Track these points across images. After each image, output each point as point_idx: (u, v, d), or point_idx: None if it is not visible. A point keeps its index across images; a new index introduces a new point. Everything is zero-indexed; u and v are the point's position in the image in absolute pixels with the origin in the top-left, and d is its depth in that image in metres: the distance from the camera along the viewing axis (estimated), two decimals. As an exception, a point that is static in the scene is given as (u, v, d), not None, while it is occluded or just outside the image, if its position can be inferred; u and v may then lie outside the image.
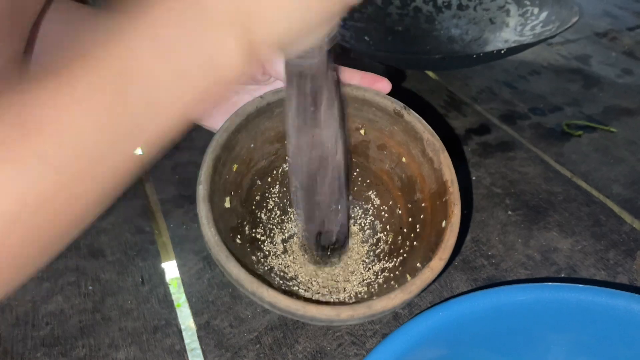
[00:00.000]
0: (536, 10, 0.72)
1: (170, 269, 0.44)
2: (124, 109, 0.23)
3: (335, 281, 0.41)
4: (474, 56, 0.62)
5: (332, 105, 0.33)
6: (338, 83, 0.39)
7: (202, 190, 0.33)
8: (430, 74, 0.72)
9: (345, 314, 0.30)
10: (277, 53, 0.29)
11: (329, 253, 0.41)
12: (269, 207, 0.43)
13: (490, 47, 0.72)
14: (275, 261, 0.41)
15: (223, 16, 0.24)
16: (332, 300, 0.39)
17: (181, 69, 0.24)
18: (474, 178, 0.54)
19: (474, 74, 0.72)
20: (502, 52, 0.60)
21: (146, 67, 0.23)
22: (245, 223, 0.40)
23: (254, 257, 0.39)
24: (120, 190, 0.26)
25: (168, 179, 0.53)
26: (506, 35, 0.73)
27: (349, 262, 0.42)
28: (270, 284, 0.31)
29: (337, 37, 0.30)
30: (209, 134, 0.36)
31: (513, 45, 0.68)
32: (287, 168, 0.44)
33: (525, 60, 0.75)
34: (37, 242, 0.24)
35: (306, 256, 0.42)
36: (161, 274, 0.44)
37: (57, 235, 0.25)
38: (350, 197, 0.46)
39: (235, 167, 0.38)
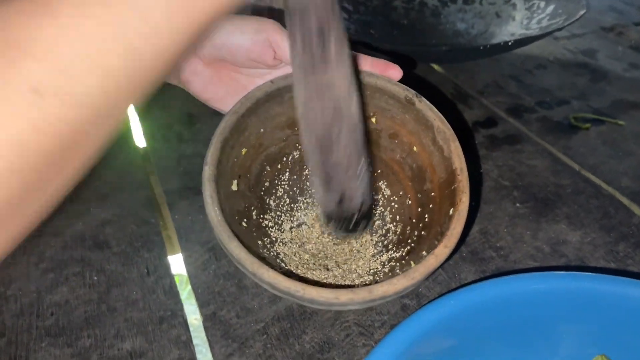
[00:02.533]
0: (543, 4, 0.71)
1: (176, 261, 0.44)
2: (114, 29, 0.20)
3: (342, 270, 0.41)
4: (481, 48, 0.62)
5: (342, 44, 0.30)
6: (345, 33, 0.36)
7: (208, 171, 0.33)
8: (436, 67, 0.72)
9: (344, 297, 0.30)
10: None
11: (353, 222, 0.37)
12: (278, 194, 0.43)
13: (496, 41, 0.72)
14: (281, 248, 0.41)
15: None
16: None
17: None
18: (481, 170, 0.53)
19: (480, 68, 0.71)
20: (509, 44, 0.60)
21: None
22: (252, 208, 0.40)
23: (259, 242, 0.39)
24: (119, 121, 0.23)
25: (173, 171, 0.53)
26: (512, 29, 0.72)
27: (357, 254, 0.42)
28: (272, 266, 0.31)
29: None
30: (214, 126, 0.36)
31: (519, 38, 0.68)
32: (297, 155, 0.43)
33: (532, 55, 0.75)
34: (40, 189, 0.21)
35: (329, 228, 0.38)
36: (166, 265, 0.43)
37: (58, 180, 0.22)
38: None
39: (244, 151, 0.38)
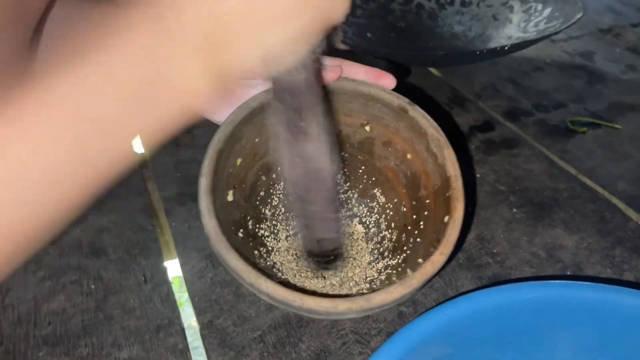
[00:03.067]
0: (540, 7, 0.71)
1: (173, 268, 0.44)
2: (75, 138, 0.24)
3: (339, 278, 0.41)
4: (477, 52, 0.62)
5: (320, 121, 0.33)
6: (326, 96, 0.38)
7: (203, 182, 0.33)
8: (434, 70, 0.72)
9: (343, 307, 0.30)
10: (260, 71, 0.29)
11: (332, 258, 0.40)
12: (273, 204, 0.43)
13: (493, 44, 0.72)
14: (278, 257, 0.41)
15: (189, 45, 0.25)
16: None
17: (138, 99, 0.25)
18: (478, 175, 0.53)
19: (477, 71, 0.71)
20: (506, 48, 0.60)
21: (97, 97, 0.24)
22: (248, 218, 0.40)
23: (256, 252, 0.39)
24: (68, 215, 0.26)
25: (170, 177, 0.53)
26: (509, 32, 0.72)
27: (353, 262, 0.42)
28: (269, 277, 0.31)
29: (322, 50, 0.30)
30: (211, 131, 0.36)
31: (516, 41, 0.68)
32: None
33: (529, 57, 0.75)
34: None
35: (310, 261, 0.41)
36: (163, 272, 0.43)
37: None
38: (356, 195, 0.45)
39: (239, 161, 0.38)
